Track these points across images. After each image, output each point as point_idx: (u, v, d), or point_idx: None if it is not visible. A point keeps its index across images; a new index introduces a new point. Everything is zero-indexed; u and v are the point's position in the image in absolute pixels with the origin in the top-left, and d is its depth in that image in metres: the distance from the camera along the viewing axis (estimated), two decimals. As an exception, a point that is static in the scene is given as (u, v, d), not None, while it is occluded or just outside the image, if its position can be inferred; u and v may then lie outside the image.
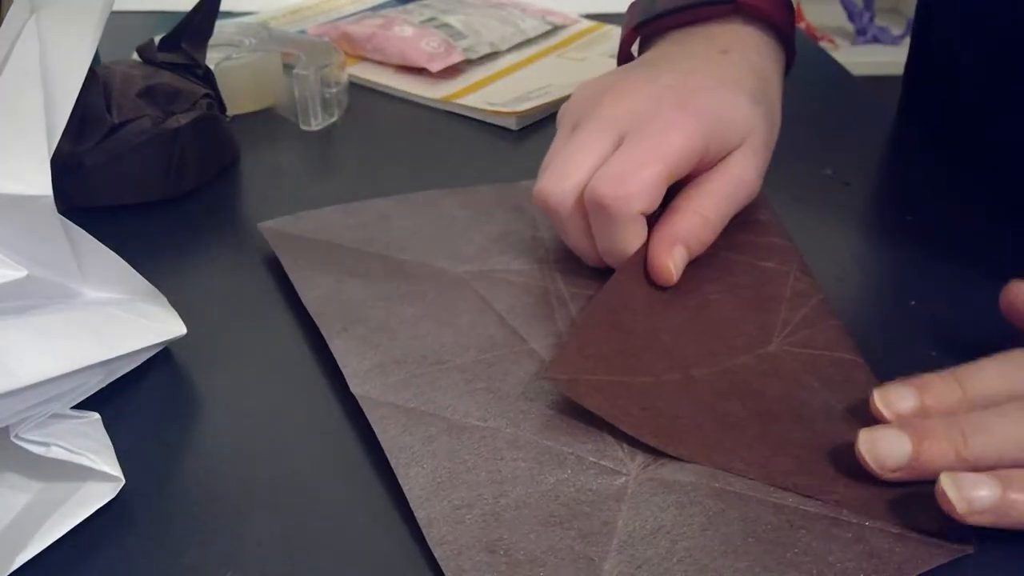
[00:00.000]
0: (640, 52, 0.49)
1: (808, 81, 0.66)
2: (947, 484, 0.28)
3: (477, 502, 0.30)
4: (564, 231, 0.41)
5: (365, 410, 0.33)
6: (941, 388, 0.31)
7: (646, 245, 0.39)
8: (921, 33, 0.62)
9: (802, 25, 1.60)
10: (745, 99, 0.41)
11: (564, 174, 0.39)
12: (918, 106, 0.62)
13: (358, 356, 0.36)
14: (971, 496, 0.28)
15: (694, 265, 0.40)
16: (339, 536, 0.30)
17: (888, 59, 1.58)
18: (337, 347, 0.37)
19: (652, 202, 0.38)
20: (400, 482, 0.30)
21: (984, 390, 0.31)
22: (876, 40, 1.65)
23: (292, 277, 0.41)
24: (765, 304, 0.38)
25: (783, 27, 0.46)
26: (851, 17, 1.66)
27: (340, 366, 0.36)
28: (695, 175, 0.41)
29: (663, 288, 0.39)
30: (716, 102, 0.40)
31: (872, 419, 0.31)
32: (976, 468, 0.29)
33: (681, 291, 0.39)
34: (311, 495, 0.32)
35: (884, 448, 0.30)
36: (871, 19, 1.66)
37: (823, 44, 1.58)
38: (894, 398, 0.31)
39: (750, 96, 0.41)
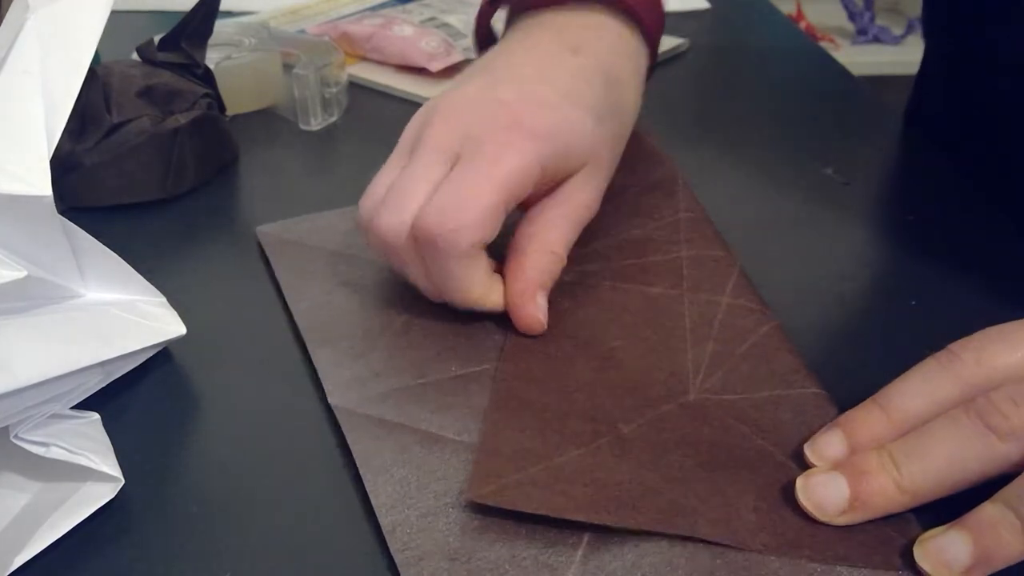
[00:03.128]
0: (507, 27, 0.45)
1: (808, 81, 0.66)
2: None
3: (443, 511, 0.30)
4: (402, 267, 0.37)
5: (340, 421, 0.33)
6: (866, 420, 0.31)
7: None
8: (934, 31, 0.61)
9: (802, 25, 1.60)
10: (589, 118, 0.38)
11: (397, 207, 0.35)
12: (931, 108, 0.61)
13: (339, 367, 0.36)
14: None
15: (583, 307, 0.38)
16: (339, 535, 0.30)
17: (888, 59, 1.58)
18: (320, 358, 0.37)
19: (487, 233, 0.35)
20: (368, 490, 0.30)
21: (908, 411, 0.30)
22: (876, 40, 1.65)
23: (283, 286, 0.41)
24: (669, 343, 0.37)
25: (648, 24, 0.42)
26: (851, 17, 1.66)
27: (320, 378, 0.36)
28: (534, 199, 0.38)
29: (560, 347, 0.37)
30: (556, 121, 0.36)
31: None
32: (918, 496, 0.29)
33: (580, 344, 0.37)
34: (311, 494, 0.32)
35: (822, 494, 0.29)
36: (871, 19, 1.66)
37: (823, 44, 1.58)
38: (823, 446, 0.31)
39: (594, 114, 0.38)
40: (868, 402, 0.31)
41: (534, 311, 0.37)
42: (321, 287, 0.41)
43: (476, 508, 0.30)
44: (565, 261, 0.38)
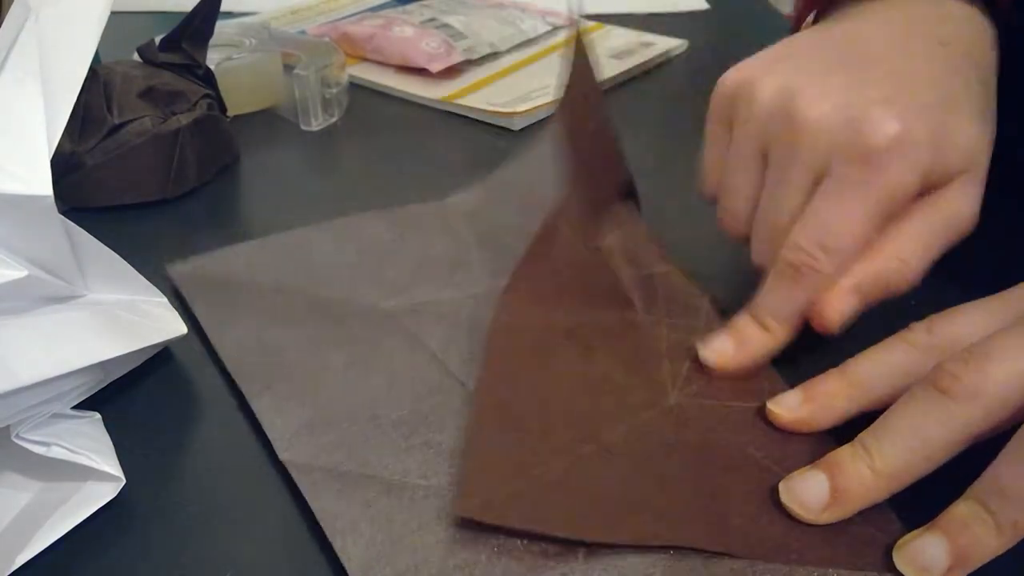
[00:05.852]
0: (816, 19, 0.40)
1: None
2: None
3: (423, 567, 0.28)
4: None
5: (294, 477, 0.31)
6: (823, 379, 0.33)
7: (505, 310, 0.37)
8: None
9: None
10: (973, 122, 0.34)
11: (769, 233, 0.35)
12: None
13: (283, 416, 0.34)
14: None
15: (557, 309, 0.37)
16: (339, 536, 0.30)
17: (888, 59, 1.57)
18: (260, 407, 0.34)
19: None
20: (338, 555, 0.28)
21: (861, 373, 0.32)
22: (876, 40, 1.65)
23: (205, 327, 0.38)
24: (644, 358, 0.36)
25: (1002, 4, 0.37)
26: (851, 17, 1.66)
27: (264, 429, 0.33)
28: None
29: (537, 348, 0.36)
30: (938, 126, 0.33)
31: (791, 458, 0.31)
32: (894, 477, 0.29)
33: (558, 341, 0.36)
34: (311, 495, 0.31)
35: (802, 491, 0.29)
36: (871, 19, 1.66)
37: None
38: (783, 398, 0.33)
39: (977, 115, 0.34)
40: (829, 371, 0.33)
41: (831, 312, 0.33)
42: (249, 325, 0.38)
43: (457, 567, 0.28)
44: (918, 274, 0.34)
